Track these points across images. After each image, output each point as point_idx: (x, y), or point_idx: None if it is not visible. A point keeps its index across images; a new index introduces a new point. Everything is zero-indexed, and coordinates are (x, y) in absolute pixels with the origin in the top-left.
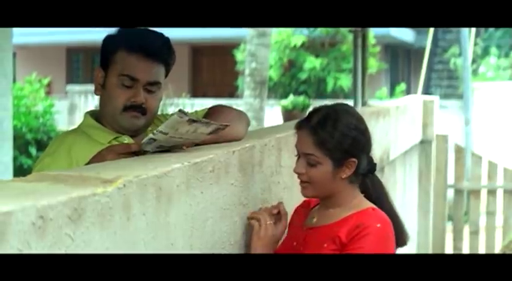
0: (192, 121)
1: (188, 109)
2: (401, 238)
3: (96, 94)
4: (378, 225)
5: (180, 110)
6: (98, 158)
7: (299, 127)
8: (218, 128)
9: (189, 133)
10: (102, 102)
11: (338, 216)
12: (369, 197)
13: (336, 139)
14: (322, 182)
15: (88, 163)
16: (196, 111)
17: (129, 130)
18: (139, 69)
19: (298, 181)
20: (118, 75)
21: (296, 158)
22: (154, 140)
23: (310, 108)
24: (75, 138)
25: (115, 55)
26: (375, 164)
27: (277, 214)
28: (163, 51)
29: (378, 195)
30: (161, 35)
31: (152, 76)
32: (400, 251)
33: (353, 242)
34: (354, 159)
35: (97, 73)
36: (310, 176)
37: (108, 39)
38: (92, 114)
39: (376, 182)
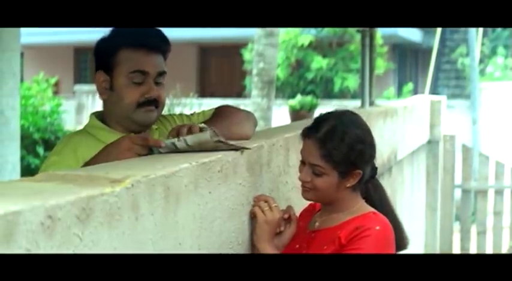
0: (219, 142)
1: (195, 109)
2: (401, 241)
3: (102, 98)
4: (377, 227)
5: (214, 131)
6: (115, 145)
7: (306, 136)
8: (236, 149)
9: (208, 149)
10: (109, 104)
11: (339, 220)
12: (370, 200)
13: (343, 152)
14: (326, 191)
15: (102, 150)
16: (203, 111)
17: (144, 125)
18: (148, 63)
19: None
20: (127, 73)
21: (300, 162)
22: (176, 147)
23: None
24: (81, 139)
25: (117, 56)
26: (377, 168)
27: (288, 218)
28: (162, 43)
29: (379, 198)
30: (154, 28)
31: (159, 67)
32: (408, 251)
33: (351, 243)
34: (359, 170)
35: (98, 78)
36: (315, 184)
37: (103, 42)
38: (97, 115)
39: (378, 186)
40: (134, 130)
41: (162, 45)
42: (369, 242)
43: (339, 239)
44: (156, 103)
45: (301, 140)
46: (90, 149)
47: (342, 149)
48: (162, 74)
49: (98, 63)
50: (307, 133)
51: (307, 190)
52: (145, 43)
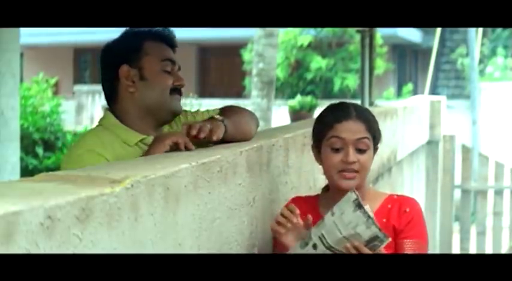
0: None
1: (196, 109)
2: None
3: (130, 91)
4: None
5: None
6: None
7: (343, 118)
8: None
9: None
10: (138, 96)
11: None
12: None
13: (376, 125)
14: (368, 169)
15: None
16: (207, 110)
17: (175, 113)
18: (171, 54)
19: (339, 173)
20: (160, 61)
21: (333, 152)
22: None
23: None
24: (103, 134)
25: (144, 48)
26: None
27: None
28: (174, 39)
29: None
30: (168, 29)
31: (178, 60)
32: None
33: (409, 229)
34: (378, 146)
35: (123, 72)
36: (362, 162)
37: (123, 38)
38: (113, 113)
39: None
40: (158, 121)
41: (175, 42)
42: (422, 224)
43: (393, 227)
44: (180, 92)
45: (329, 129)
46: (114, 144)
47: (376, 122)
48: (179, 68)
49: (118, 58)
50: (342, 116)
51: (353, 176)
52: (164, 38)
